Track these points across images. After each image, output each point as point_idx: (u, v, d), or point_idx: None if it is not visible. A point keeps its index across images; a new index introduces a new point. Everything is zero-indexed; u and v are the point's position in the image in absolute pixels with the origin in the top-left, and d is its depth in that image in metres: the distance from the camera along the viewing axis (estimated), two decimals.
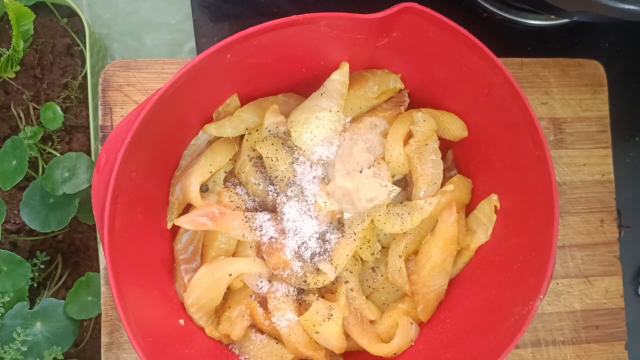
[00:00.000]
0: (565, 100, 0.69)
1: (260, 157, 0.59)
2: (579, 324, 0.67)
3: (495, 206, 0.59)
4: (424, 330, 0.60)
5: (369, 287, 0.61)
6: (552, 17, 0.79)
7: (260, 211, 0.58)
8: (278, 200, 0.57)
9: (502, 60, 0.51)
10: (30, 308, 0.67)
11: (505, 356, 0.49)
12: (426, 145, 0.59)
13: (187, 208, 0.60)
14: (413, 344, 0.59)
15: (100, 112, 0.64)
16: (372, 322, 0.59)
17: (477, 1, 0.79)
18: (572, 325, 0.67)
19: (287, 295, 0.57)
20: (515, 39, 0.79)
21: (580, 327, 0.67)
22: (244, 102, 0.60)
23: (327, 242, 0.57)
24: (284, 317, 0.56)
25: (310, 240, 0.57)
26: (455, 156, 0.64)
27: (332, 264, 0.56)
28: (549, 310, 0.67)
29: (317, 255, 0.57)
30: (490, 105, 0.55)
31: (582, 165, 0.69)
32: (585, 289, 0.68)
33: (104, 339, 0.60)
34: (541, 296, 0.50)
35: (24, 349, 0.65)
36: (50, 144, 0.75)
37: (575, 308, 0.67)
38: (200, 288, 0.56)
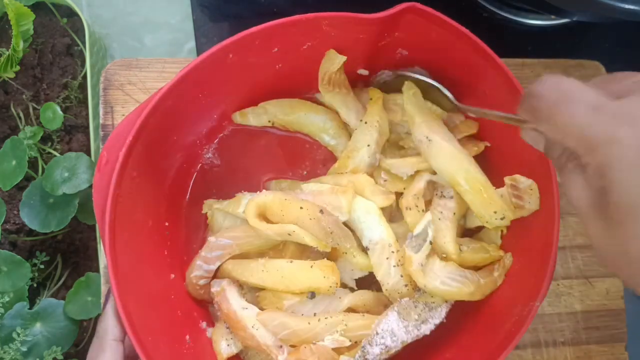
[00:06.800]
0: None
1: None
2: (579, 325, 0.67)
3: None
4: None
5: None
6: (553, 17, 0.79)
7: None
8: None
9: (503, 60, 0.51)
10: (30, 308, 0.67)
11: (505, 356, 0.49)
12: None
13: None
14: None
15: (101, 111, 0.64)
16: None
17: (478, 1, 0.79)
18: (573, 326, 0.67)
19: None
20: (515, 38, 0.79)
21: (581, 328, 0.67)
22: (244, 101, 0.60)
23: None
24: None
25: None
26: None
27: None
28: (549, 311, 0.67)
29: None
30: (492, 105, 0.55)
31: None
32: (586, 290, 0.68)
33: None
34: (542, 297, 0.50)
35: (24, 349, 0.64)
36: (50, 144, 0.75)
37: (575, 309, 0.67)
38: None
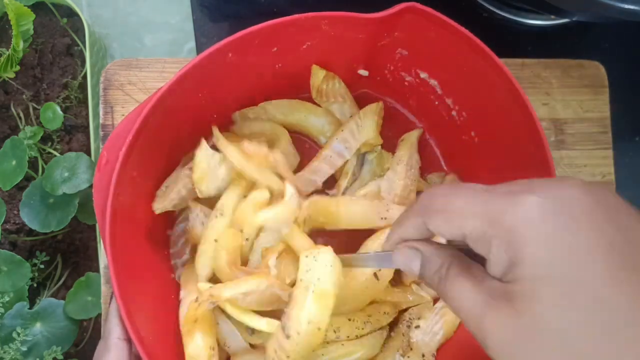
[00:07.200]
0: (566, 101, 0.69)
1: None
2: None
3: None
4: None
5: None
6: (552, 17, 0.79)
7: None
8: None
9: (503, 60, 0.51)
10: (30, 308, 0.67)
11: None
12: None
13: None
14: None
15: (101, 111, 0.64)
16: None
17: (477, 1, 0.79)
18: None
19: None
20: (515, 38, 0.79)
21: None
22: (244, 101, 0.60)
23: None
24: None
25: None
26: (454, 157, 0.64)
27: None
28: None
29: None
30: (491, 106, 0.55)
31: (583, 166, 0.69)
32: None
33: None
34: None
35: (24, 349, 0.64)
36: (50, 144, 0.75)
37: None
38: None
